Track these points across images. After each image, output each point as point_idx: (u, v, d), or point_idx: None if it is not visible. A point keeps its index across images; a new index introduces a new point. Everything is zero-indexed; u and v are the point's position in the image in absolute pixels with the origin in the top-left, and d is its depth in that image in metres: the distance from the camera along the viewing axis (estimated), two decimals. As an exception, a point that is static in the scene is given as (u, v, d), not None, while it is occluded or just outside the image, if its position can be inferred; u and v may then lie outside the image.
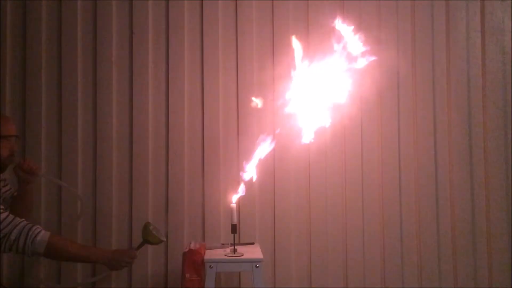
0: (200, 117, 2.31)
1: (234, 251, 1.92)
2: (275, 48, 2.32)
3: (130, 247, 1.96)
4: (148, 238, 1.88)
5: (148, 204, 2.28)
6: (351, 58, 2.09)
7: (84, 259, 1.78)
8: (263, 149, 2.09)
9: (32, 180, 1.80)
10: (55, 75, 2.32)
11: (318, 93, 2.10)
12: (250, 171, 2.07)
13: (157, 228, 1.95)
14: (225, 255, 1.89)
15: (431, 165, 2.30)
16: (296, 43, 2.13)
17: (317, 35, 2.31)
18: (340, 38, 2.09)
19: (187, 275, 1.85)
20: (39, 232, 1.62)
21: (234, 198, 2.02)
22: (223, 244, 2.06)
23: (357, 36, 2.09)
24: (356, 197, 2.29)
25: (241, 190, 2.04)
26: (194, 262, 1.86)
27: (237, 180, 2.24)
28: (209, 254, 1.91)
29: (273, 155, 2.29)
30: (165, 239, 1.95)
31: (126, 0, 2.34)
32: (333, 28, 2.12)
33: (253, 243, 2.16)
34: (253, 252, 1.97)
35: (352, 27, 2.09)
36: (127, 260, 1.79)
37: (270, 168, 2.29)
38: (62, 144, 2.30)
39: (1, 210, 1.61)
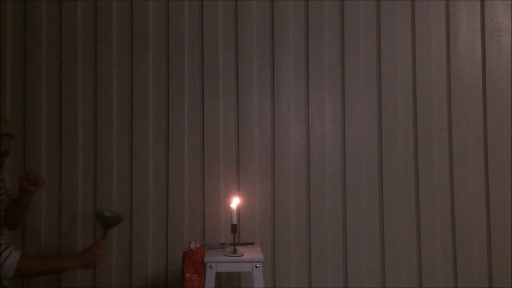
0: (200, 117, 2.31)
1: (234, 251, 1.92)
2: (275, 48, 2.32)
3: (97, 239, 1.92)
4: (105, 223, 1.85)
5: (148, 204, 2.28)
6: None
7: (58, 271, 1.77)
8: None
9: (35, 192, 1.78)
10: (55, 75, 2.32)
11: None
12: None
13: (109, 211, 1.96)
14: (225, 255, 1.89)
15: (430, 165, 2.30)
16: None
17: (316, 35, 2.32)
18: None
19: (187, 275, 1.84)
20: (9, 255, 1.56)
21: (234, 199, 2.01)
22: (223, 244, 2.06)
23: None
24: (355, 197, 2.29)
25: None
26: (194, 262, 1.85)
27: (237, 180, 2.26)
28: (209, 254, 1.91)
29: (273, 155, 2.29)
30: (122, 215, 1.95)
31: (126, 0, 2.34)
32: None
33: (253, 243, 2.15)
34: (253, 252, 1.97)
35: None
36: (100, 253, 1.77)
37: (270, 168, 2.29)
38: (62, 144, 2.30)
39: None
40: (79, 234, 2.26)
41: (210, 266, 1.84)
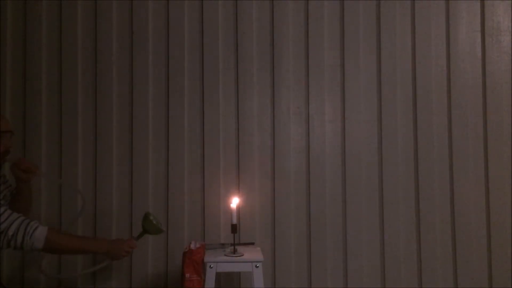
0: (200, 117, 2.31)
1: (234, 251, 1.92)
2: (275, 48, 2.32)
3: (130, 236, 1.97)
4: (148, 228, 1.88)
5: (148, 204, 2.28)
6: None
7: (84, 250, 1.80)
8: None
9: (30, 179, 1.80)
10: (55, 75, 2.33)
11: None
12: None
13: (157, 218, 1.95)
14: (225, 255, 1.89)
15: (431, 165, 2.30)
16: None
17: (316, 35, 2.32)
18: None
19: (187, 275, 1.84)
20: (37, 227, 1.61)
21: (234, 199, 2.01)
22: (223, 244, 2.06)
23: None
24: (355, 197, 2.29)
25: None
26: (194, 262, 1.85)
27: (237, 180, 2.26)
28: (209, 254, 1.91)
29: (273, 155, 2.29)
30: (164, 230, 1.94)
31: (126, 0, 2.34)
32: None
33: (253, 243, 2.16)
34: (253, 252, 1.97)
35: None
36: (127, 250, 1.80)
37: (270, 168, 2.29)
38: (62, 144, 2.30)
39: None
40: (79, 232, 2.26)
41: (210, 266, 1.84)
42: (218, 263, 1.85)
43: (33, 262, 2.25)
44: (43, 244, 1.61)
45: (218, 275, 1.92)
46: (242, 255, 1.90)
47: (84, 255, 2.24)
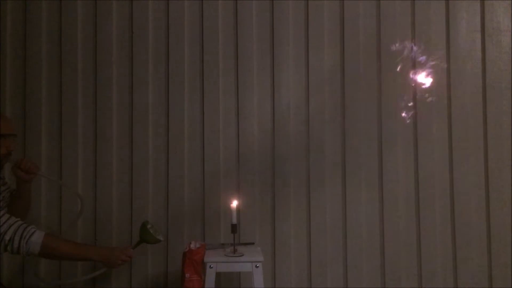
0: (200, 117, 2.31)
1: (234, 251, 1.92)
2: (275, 48, 2.32)
3: (127, 245, 1.97)
4: (145, 237, 1.89)
5: (148, 204, 2.28)
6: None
7: (80, 257, 1.79)
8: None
9: (31, 180, 1.80)
10: (55, 75, 2.32)
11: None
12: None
13: (155, 227, 1.95)
14: (225, 255, 1.89)
15: (430, 165, 2.29)
16: None
17: (316, 35, 2.32)
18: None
19: (187, 275, 1.84)
20: (34, 232, 1.61)
21: (234, 199, 2.01)
22: (223, 244, 2.06)
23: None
24: (355, 197, 2.29)
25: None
26: (194, 262, 1.85)
27: (237, 181, 2.26)
28: (209, 254, 1.91)
29: (273, 155, 2.29)
30: (162, 239, 1.94)
31: (126, 0, 2.34)
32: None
33: (253, 243, 2.16)
34: (253, 252, 1.97)
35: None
36: (123, 259, 1.80)
37: (270, 168, 2.29)
38: (62, 144, 2.30)
39: None
40: (79, 233, 2.26)
41: (210, 266, 1.84)
42: (218, 263, 1.85)
43: (32, 265, 2.24)
44: (39, 249, 1.61)
45: (218, 275, 1.92)
46: (242, 255, 1.90)
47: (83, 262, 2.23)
